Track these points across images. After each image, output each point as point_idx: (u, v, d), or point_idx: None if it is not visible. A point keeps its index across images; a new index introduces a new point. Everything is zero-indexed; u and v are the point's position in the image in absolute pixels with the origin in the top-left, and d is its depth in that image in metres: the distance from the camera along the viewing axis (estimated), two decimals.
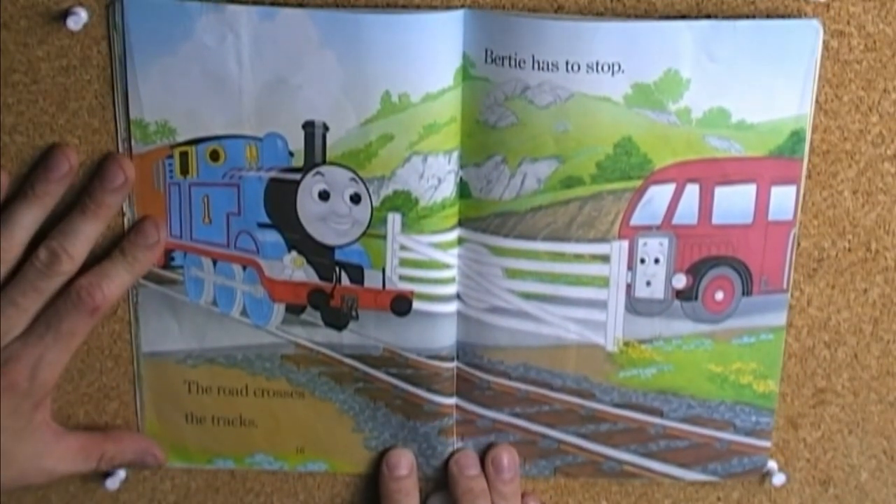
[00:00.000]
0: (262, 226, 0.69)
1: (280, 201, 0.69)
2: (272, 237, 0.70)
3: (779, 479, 0.73)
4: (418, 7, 0.64)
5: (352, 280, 0.70)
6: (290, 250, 0.70)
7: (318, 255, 0.70)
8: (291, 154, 0.68)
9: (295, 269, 0.71)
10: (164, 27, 0.64)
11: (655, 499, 0.75)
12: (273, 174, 0.68)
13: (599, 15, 0.64)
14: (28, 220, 0.66)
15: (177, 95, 0.66)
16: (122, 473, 0.73)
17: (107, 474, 0.73)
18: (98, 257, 0.68)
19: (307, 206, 0.69)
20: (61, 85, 0.66)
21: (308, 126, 0.67)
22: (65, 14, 0.64)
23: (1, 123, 0.66)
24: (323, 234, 0.69)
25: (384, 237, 0.69)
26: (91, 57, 0.65)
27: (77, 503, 0.75)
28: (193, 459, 0.74)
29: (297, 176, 0.68)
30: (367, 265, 0.70)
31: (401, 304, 0.70)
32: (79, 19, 0.63)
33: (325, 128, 0.67)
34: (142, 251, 0.69)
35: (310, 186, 0.68)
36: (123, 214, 0.69)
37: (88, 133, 0.67)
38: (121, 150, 0.67)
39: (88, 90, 0.66)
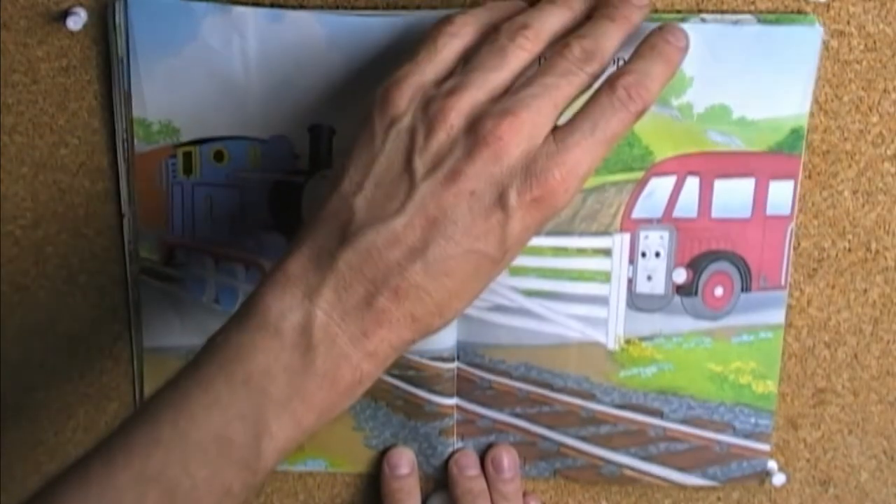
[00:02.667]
0: (265, 228, 0.69)
1: (284, 204, 0.69)
2: (276, 240, 0.69)
3: (779, 479, 0.73)
4: (419, 7, 0.64)
5: None
6: None
7: None
8: (296, 156, 0.67)
9: None
10: (169, 28, 0.64)
11: (655, 499, 0.75)
12: (277, 176, 0.68)
13: None
14: (558, 18, 0.58)
15: (181, 96, 0.66)
16: None
17: None
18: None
19: (312, 210, 0.69)
20: (61, 85, 0.66)
21: (314, 129, 0.67)
22: (65, 14, 0.64)
23: (1, 123, 0.66)
24: None
25: None
26: (91, 57, 0.65)
27: None
28: None
29: (302, 179, 0.68)
30: None
31: None
32: (79, 19, 0.63)
33: (332, 131, 0.67)
34: (670, 46, 0.58)
35: (314, 190, 0.68)
36: (123, 215, 0.69)
37: (88, 133, 0.67)
38: (121, 150, 0.67)
39: (88, 90, 0.66)
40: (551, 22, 0.57)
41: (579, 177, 0.54)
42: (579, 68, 0.56)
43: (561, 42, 0.57)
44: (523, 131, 0.53)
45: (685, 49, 0.58)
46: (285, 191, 0.68)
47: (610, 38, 0.57)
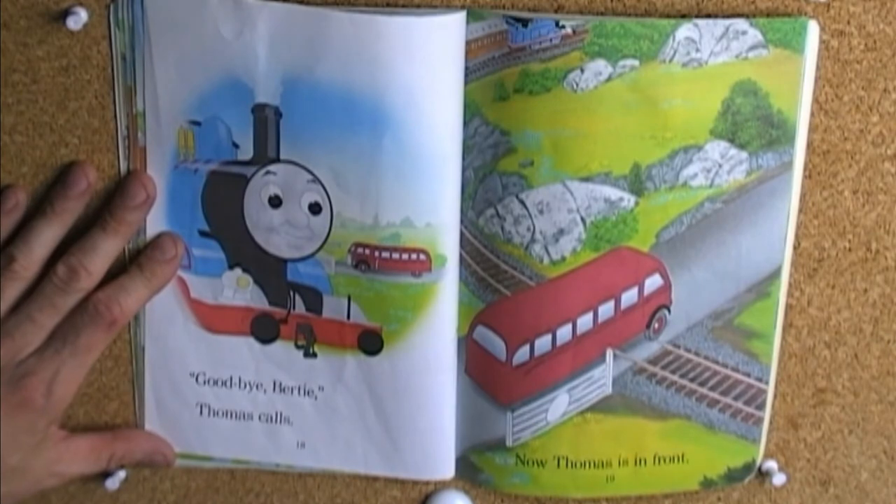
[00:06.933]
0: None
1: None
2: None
3: (779, 479, 0.73)
4: (418, 6, 0.64)
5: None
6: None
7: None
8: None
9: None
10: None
11: (655, 498, 0.75)
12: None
13: (600, 14, 0.64)
14: (47, 237, 0.66)
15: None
16: (121, 473, 0.73)
17: (107, 474, 0.73)
18: (112, 272, 0.68)
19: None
20: (61, 85, 0.66)
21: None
22: (65, 14, 0.64)
23: (1, 123, 0.66)
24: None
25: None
26: (91, 57, 0.65)
27: (77, 503, 0.75)
28: (195, 456, 0.74)
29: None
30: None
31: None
32: (79, 19, 0.63)
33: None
34: (160, 266, 0.68)
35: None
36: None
37: (88, 133, 0.67)
38: (121, 148, 0.67)
39: (88, 90, 0.66)
40: (39, 244, 0.66)
41: (61, 383, 0.66)
42: (64, 288, 0.66)
43: (55, 264, 0.66)
44: (9, 353, 0.65)
45: (174, 259, 0.68)
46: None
47: (98, 251, 0.66)
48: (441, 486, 0.74)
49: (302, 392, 0.71)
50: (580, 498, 0.73)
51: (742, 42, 0.64)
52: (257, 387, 0.71)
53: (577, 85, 0.63)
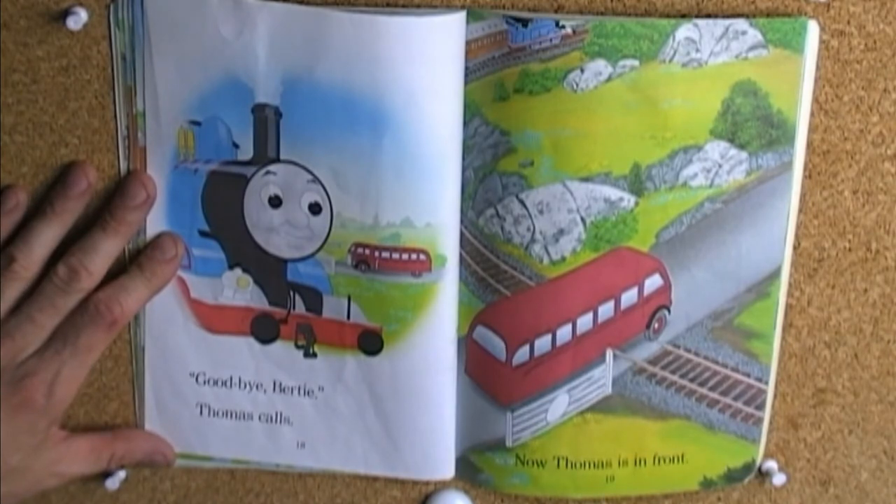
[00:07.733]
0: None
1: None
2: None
3: (779, 479, 0.73)
4: (418, 6, 0.64)
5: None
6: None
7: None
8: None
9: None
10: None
11: (655, 498, 0.75)
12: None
13: (600, 14, 0.64)
14: (47, 237, 0.66)
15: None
16: (122, 473, 0.73)
17: (107, 474, 0.73)
18: (112, 272, 0.68)
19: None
20: (61, 85, 0.66)
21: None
22: (65, 14, 0.64)
23: (1, 123, 0.66)
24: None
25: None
26: (91, 57, 0.65)
27: (77, 503, 0.75)
28: (195, 456, 0.74)
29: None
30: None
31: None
32: (79, 19, 0.63)
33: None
34: (160, 266, 0.68)
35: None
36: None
37: (88, 133, 0.67)
38: (121, 148, 0.67)
39: (88, 90, 0.66)
40: (39, 244, 0.66)
41: (62, 383, 0.66)
42: (65, 288, 0.66)
43: (56, 265, 0.66)
44: (9, 353, 0.65)
45: (174, 259, 0.67)
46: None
47: (98, 251, 0.66)
48: (441, 486, 0.74)
49: (302, 392, 0.71)
50: (580, 498, 0.73)
51: (742, 42, 0.64)
52: (257, 387, 0.71)
53: (577, 85, 0.63)
